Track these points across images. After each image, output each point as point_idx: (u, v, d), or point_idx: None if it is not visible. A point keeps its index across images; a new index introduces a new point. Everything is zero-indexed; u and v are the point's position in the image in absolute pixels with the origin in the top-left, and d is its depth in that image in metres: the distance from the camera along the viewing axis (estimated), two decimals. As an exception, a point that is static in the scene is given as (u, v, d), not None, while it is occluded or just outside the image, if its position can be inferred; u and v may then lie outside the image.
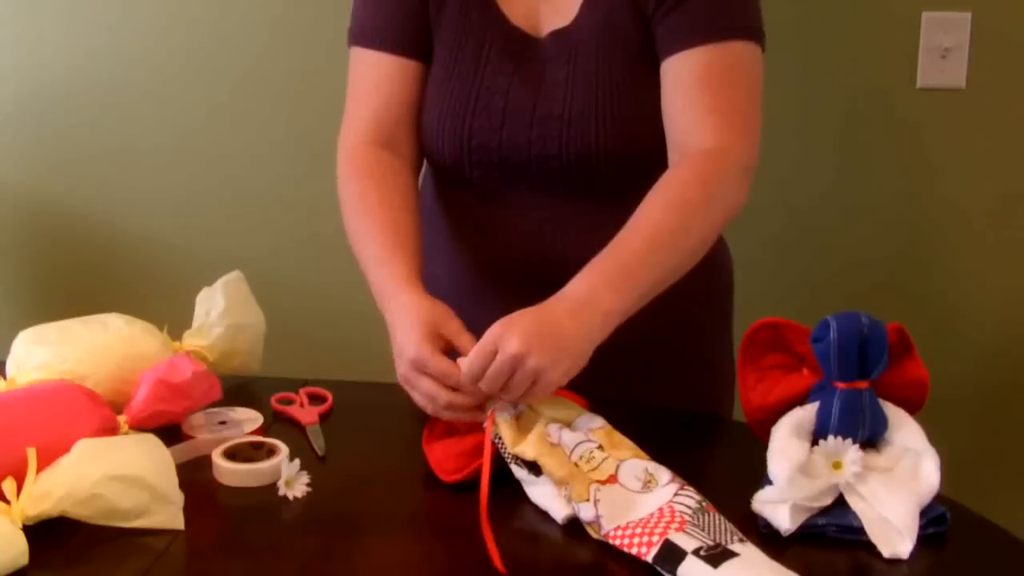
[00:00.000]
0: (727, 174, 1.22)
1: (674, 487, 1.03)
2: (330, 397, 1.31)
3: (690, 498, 1.01)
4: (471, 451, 1.11)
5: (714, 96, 1.23)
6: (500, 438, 1.08)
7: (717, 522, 0.98)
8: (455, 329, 1.14)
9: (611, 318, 1.11)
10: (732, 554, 0.92)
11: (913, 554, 0.96)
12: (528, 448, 1.06)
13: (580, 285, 1.12)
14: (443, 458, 1.12)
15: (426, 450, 1.15)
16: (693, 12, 1.24)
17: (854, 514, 1.00)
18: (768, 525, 1.01)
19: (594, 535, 1.01)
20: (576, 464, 1.05)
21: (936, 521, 1.00)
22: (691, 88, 1.24)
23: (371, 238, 1.25)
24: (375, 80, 1.35)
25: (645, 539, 0.96)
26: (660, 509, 1.00)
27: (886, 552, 0.97)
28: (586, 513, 1.01)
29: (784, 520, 0.99)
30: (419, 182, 1.40)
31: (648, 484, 1.04)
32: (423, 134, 1.35)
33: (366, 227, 1.26)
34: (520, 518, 1.05)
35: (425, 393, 1.12)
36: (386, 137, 1.34)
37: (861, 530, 0.99)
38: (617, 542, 0.98)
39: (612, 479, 1.04)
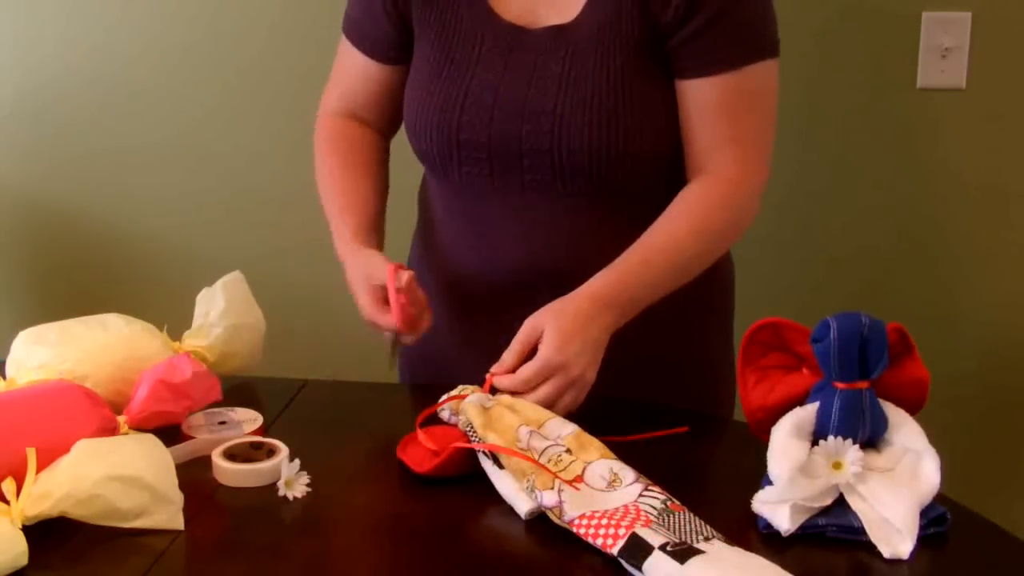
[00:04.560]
0: (747, 201, 1.30)
1: (639, 487, 1.03)
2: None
3: (655, 498, 1.01)
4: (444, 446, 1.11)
5: (736, 125, 1.28)
6: (471, 426, 1.09)
7: (683, 522, 0.98)
8: (379, 276, 1.26)
9: (622, 317, 1.21)
10: (698, 551, 0.92)
11: (913, 554, 0.96)
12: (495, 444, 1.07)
13: (599, 284, 1.21)
14: (417, 456, 1.12)
15: (400, 456, 1.14)
16: (717, 39, 1.25)
17: (854, 514, 0.99)
18: (768, 525, 1.01)
19: (556, 520, 1.00)
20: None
21: (936, 521, 1.00)
22: (714, 115, 1.27)
23: (330, 201, 1.39)
24: (349, 69, 1.44)
25: (611, 531, 0.96)
26: (625, 506, 1.00)
27: (886, 552, 0.97)
28: (548, 499, 1.01)
29: (784, 520, 0.99)
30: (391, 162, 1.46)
31: (613, 483, 1.04)
32: (411, 134, 1.35)
33: (326, 191, 1.40)
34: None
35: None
36: (352, 114, 1.44)
37: (861, 530, 0.99)
38: (582, 531, 0.98)
39: (578, 479, 1.05)
